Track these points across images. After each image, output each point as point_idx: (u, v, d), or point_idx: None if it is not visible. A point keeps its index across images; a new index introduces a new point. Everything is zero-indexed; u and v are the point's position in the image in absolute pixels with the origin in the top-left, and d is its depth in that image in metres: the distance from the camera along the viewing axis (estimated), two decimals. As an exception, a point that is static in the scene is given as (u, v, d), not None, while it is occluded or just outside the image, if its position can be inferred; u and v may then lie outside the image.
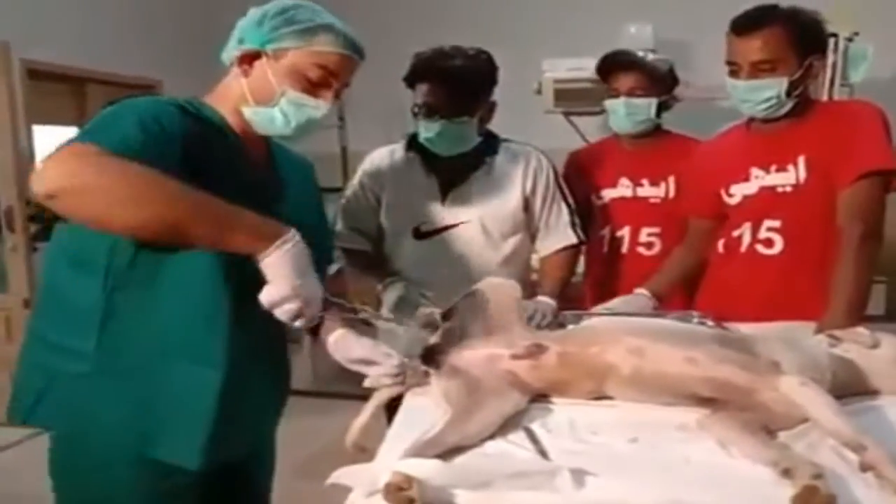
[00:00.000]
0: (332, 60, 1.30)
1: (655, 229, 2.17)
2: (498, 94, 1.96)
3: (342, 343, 1.41)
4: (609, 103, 2.16)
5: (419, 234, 1.95)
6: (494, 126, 2.01)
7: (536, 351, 1.30)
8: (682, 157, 2.10)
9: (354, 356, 1.39)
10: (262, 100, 1.30)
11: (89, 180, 1.05)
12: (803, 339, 1.37)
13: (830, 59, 3.00)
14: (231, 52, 1.33)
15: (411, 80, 1.88)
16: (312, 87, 1.31)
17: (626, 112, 2.13)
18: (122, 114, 1.16)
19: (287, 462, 1.72)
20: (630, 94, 2.12)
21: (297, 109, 1.31)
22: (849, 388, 1.25)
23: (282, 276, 1.15)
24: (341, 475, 1.02)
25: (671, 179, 2.16)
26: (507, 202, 1.94)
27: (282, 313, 1.18)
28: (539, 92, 3.65)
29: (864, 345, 1.29)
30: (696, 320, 1.64)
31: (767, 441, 1.08)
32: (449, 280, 1.75)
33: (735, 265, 1.88)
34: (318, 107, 1.32)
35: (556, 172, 2.03)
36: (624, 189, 2.20)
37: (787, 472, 0.96)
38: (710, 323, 1.61)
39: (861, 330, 1.33)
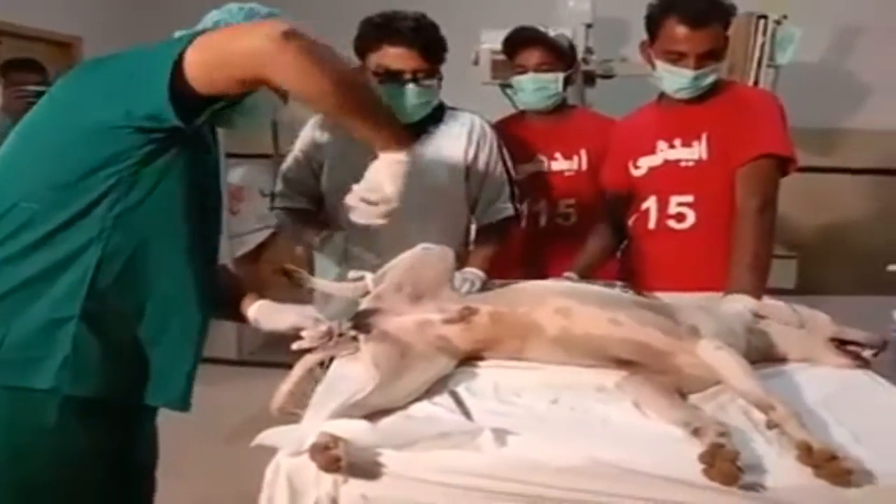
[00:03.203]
0: None
1: (571, 201, 2.24)
2: (453, 66, 1.96)
3: (267, 312, 1.42)
4: (517, 80, 2.21)
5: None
6: (445, 95, 2.01)
7: (468, 314, 1.33)
8: (593, 132, 2.19)
9: (282, 325, 1.40)
10: None
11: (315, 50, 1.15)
12: (720, 306, 1.43)
13: (759, 40, 3.09)
14: None
15: (369, 44, 1.85)
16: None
17: (535, 87, 2.18)
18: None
19: (214, 429, 1.73)
20: (537, 69, 2.16)
21: (267, 102, 1.37)
22: (761, 353, 1.32)
23: (389, 177, 1.31)
24: (268, 436, 1.02)
25: (583, 153, 2.23)
26: (449, 169, 1.95)
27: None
28: (476, 63, 3.65)
29: (793, 325, 1.35)
30: (618, 289, 1.69)
31: (680, 403, 1.14)
32: (386, 246, 1.73)
33: (649, 239, 1.97)
34: (280, 102, 1.40)
35: (499, 143, 2.05)
36: (538, 163, 2.25)
37: (696, 432, 1.01)
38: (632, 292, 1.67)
39: (773, 302, 1.40)
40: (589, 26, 3.69)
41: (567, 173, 2.25)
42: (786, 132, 1.86)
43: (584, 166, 2.23)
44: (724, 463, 0.92)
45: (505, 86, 3.79)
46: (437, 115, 1.97)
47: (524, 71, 2.18)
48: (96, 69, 1.27)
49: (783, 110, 1.89)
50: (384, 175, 1.31)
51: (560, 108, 2.27)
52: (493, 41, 3.55)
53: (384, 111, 1.34)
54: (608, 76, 3.70)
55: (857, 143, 4.69)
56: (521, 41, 2.21)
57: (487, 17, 3.88)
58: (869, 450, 0.99)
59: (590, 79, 3.75)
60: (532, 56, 2.17)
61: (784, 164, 1.86)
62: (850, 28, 4.47)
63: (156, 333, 1.24)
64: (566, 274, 1.93)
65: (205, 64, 1.15)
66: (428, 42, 1.83)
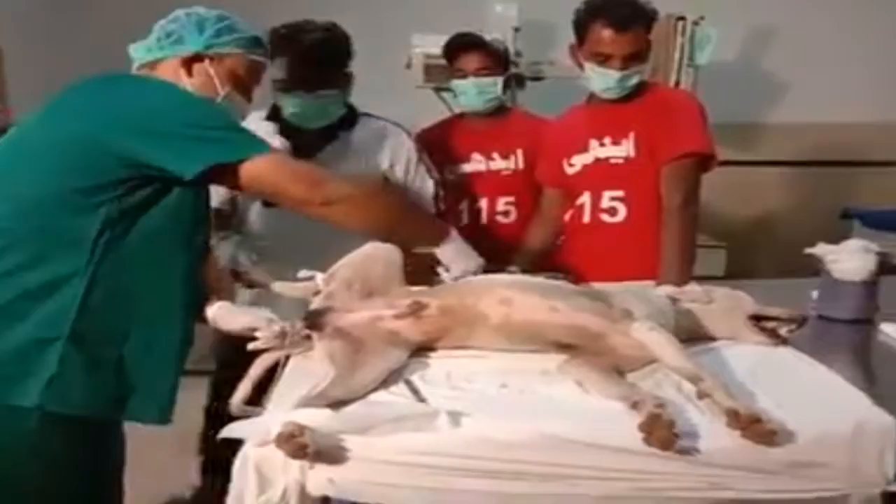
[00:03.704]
0: (262, 67, 1.52)
1: (510, 198, 2.33)
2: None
3: (223, 313, 1.46)
4: (457, 84, 2.29)
5: (266, 202, 1.96)
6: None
7: (417, 308, 1.39)
8: (528, 132, 2.30)
9: (238, 325, 1.44)
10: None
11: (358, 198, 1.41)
12: (651, 292, 1.53)
13: (678, 41, 3.25)
14: (162, 51, 1.43)
15: (274, 55, 1.88)
16: (244, 89, 1.49)
17: (476, 91, 2.26)
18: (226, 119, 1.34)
19: (170, 438, 1.74)
20: (477, 73, 2.25)
21: (234, 107, 1.46)
22: (690, 333, 1.41)
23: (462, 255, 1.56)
24: (233, 429, 1.07)
25: (519, 152, 2.32)
26: (363, 177, 1.98)
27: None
28: (409, 66, 3.71)
29: (701, 301, 1.46)
30: (559, 279, 1.78)
31: (619, 380, 1.22)
32: (296, 250, 1.73)
33: (584, 233, 2.08)
34: (246, 106, 1.52)
35: (419, 148, 2.13)
36: (477, 163, 2.33)
37: (635, 405, 1.09)
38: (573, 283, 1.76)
39: (696, 288, 1.50)
40: (517, 30, 3.78)
41: (504, 172, 2.33)
42: (706, 131, 1.99)
43: (521, 165, 2.32)
44: (662, 430, 1.00)
45: (439, 89, 3.89)
46: (348, 120, 2.05)
47: (465, 75, 2.26)
48: (109, 93, 1.32)
49: (703, 110, 2.03)
50: (458, 256, 1.56)
51: (498, 109, 2.36)
52: (425, 45, 3.63)
53: (416, 215, 1.68)
54: (537, 78, 3.81)
55: (778, 136, 4.92)
56: (462, 46, 2.29)
57: (419, 22, 3.95)
58: (790, 414, 1.10)
59: (519, 81, 3.85)
60: (473, 61, 2.25)
61: (705, 161, 2.00)
62: (765, 27, 4.70)
63: (140, 352, 1.27)
64: (508, 268, 2.01)
65: (262, 182, 1.31)
66: (325, 56, 1.90)
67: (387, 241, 1.49)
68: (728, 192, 4.91)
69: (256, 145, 1.31)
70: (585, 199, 2.08)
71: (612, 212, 2.05)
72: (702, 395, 1.11)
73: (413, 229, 1.51)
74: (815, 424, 1.08)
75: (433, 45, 3.64)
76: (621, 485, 1.04)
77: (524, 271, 1.98)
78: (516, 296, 1.36)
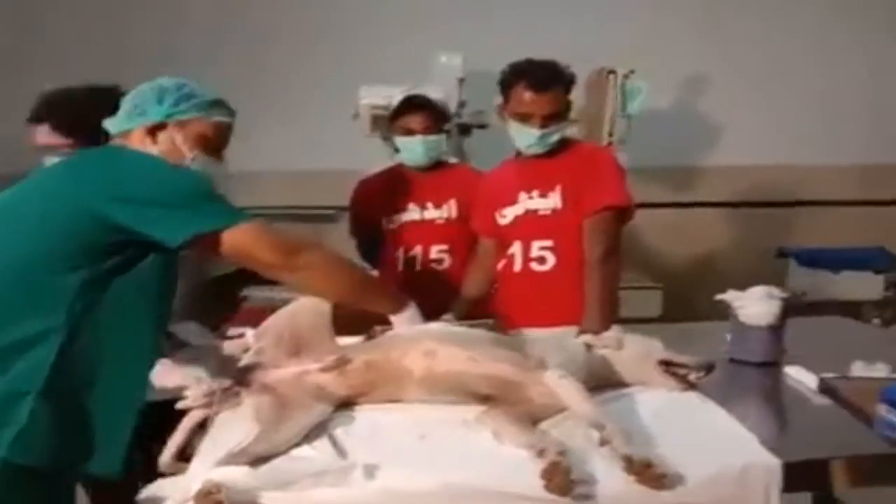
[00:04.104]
0: (226, 127, 1.60)
1: (444, 246, 2.41)
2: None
3: (158, 372, 1.50)
4: (404, 141, 2.38)
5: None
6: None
7: (343, 362, 1.45)
8: (462, 183, 2.40)
9: (170, 383, 1.49)
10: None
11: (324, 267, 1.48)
12: (567, 340, 1.61)
13: (610, 94, 3.40)
14: (129, 122, 1.52)
15: None
16: (213, 150, 1.57)
17: (424, 149, 2.36)
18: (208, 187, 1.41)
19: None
20: (426, 132, 2.35)
21: (209, 169, 1.54)
22: (603, 379, 1.50)
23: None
24: (154, 488, 1.11)
25: (453, 202, 2.42)
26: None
27: None
28: (356, 117, 3.81)
29: (612, 348, 1.54)
30: (487, 328, 1.86)
31: (530, 429, 1.29)
32: None
33: (515, 280, 2.17)
34: (222, 166, 1.59)
35: None
36: (413, 213, 2.42)
37: (540, 452, 1.16)
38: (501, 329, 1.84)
39: (609, 335, 1.59)
40: (461, 80, 3.91)
41: (438, 221, 2.42)
42: (624, 185, 2.12)
43: (455, 214, 2.42)
44: (560, 477, 1.07)
45: (386, 138, 3.99)
46: None
47: (412, 133, 2.37)
48: (100, 162, 1.40)
49: (620, 164, 2.15)
50: (411, 325, 1.60)
51: (437, 162, 2.46)
52: (371, 96, 3.74)
53: (376, 285, 1.78)
54: (482, 126, 3.94)
55: (714, 178, 5.10)
56: (411, 108, 2.39)
57: (366, 73, 4.06)
58: (685, 457, 1.18)
59: (465, 130, 3.97)
60: (419, 120, 2.36)
61: (624, 213, 2.11)
62: (698, 75, 4.92)
63: (104, 407, 1.30)
64: (444, 316, 2.08)
65: (241, 249, 1.38)
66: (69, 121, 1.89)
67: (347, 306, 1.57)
68: (665, 233, 5.08)
69: (237, 214, 1.38)
70: (516, 248, 2.18)
71: (542, 260, 2.15)
72: (603, 441, 1.19)
73: (372, 299, 1.58)
74: (705, 467, 1.16)
75: (379, 96, 3.76)
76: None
77: (460, 318, 2.06)
78: (439, 348, 1.43)
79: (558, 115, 2.08)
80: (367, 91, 3.82)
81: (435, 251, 2.42)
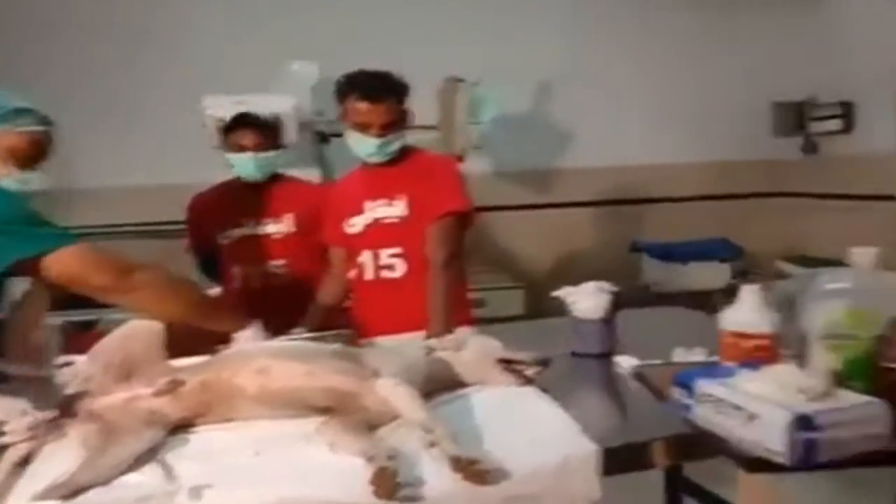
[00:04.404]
0: (40, 138, 1.54)
1: (282, 261, 2.42)
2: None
3: None
4: (236, 157, 2.36)
5: None
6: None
7: (175, 385, 1.41)
8: (299, 197, 2.41)
9: None
10: None
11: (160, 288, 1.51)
12: (407, 347, 1.64)
13: (460, 102, 3.49)
14: None
15: None
16: (28, 164, 1.51)
17: (256, 165, 2.35)
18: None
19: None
20: (257, 149, 2.33)
21: (23, 184, 1.49)
22: (443, 381, 1.53)
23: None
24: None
25: (290, 216, 2.43)
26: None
27: None
28: (205, 126, 3.71)
29: (452, 350, 1.59)
30: (339, 338, 1.86)
31: (365, 437, 1.30)
32: None
33: (367, 289, 2.19)
34: (40, 179, 1.54)
35: None
36: (249, 228, 2.40)
37: (370, 459, 1.18)
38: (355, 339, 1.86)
39: (451, 338, 1.63)
40: (316, 88, 3.89)
41: (276, 236, 2.43)
42: (464, 191, 2.19)
43: (292, 228, 2.42)
44: (386, 482, 1.09)
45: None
46: None
47: (244, 149, 2.33)
48: None
49: (460, 171, 2.22)
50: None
51: (271, 177, 2.45)
52: (216, 107, 3.64)
53: (216, 306, 1.79)
54: (338, 135, 3.93)
55: (570, 179, 5.34)
56: (240, 125, 2.39)
57: (213, 82, 3.96)
58: (511, 452, 1.23)
59: (324, 138, 3.96)
60: (252, 138, 2.33)
61: (465, 219, 2.17)
62: (552, 81, 5.12)
63: None
64: (295, 330, 2.07)
65: (68, 273, 1.36)
66: None
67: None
68: (526, 234, 5.27)
69: (62, 236, 1.31)
70: (366, 257, 2.20)
71: (392, 268, 2.18)
72: (432, 443, 1.22)
73: (211, 318, 1.59)
74: (529, 459, 1.21)
75: (224, 106, 3.66)
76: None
77: (313, 330, 2.05)
78: (273, 364, 1.42)
79: (394, 124, 2.12)
80: (212, 101, 3.73)
81: (272, 266, 2.42)
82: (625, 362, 1.75)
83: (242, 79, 3.76)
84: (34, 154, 1.54)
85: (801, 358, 1.35)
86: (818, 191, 5.38)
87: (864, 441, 1.14)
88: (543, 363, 1.60)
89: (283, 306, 2.19)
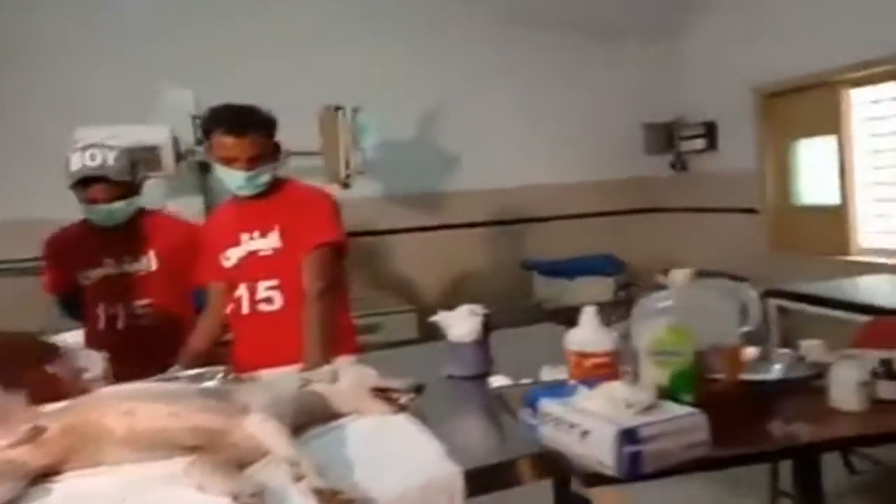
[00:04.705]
0: None
1: (146, 301, 2.35)
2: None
3: None
4: (88, 208, 2.29)
5: None
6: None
7: (36, 433, 1.37)
8: (161, 233, 2.38)
9: None
10: None
11: None
12: (279, 381, 1.65)
13: (341, 129, 3.53)
14: None
15: None
16: None
17: (109, 215, 2.29)
18: None
19: None
20: (109, 202, 2.27)
21: None
22: (318, 413, 1.55)
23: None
24: None
25: (151, 254, 2.37)
26: None
27: None
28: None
29: (327, 381, 1.61)
30: (216, 374, 1.84)
31: (234, 474, 1.30)
32: None
33: (245, 323, 2.18)
34: None
35: None
36: (109, 267, 2.34)
37: (235, 497, 1.18)
38: (230, 377, 1.83)
39: (325, 369, 1.65)
40: (195, 117, 3.83)
41: (139, 274, 2.36)
42: (337, 222, 2.20)
43: (154, 266, 2.36)
44: (249, 519, 1.10)
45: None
46: None
47: (94, 202, 2.27)
48: None
49: (334, 203, 2.23)
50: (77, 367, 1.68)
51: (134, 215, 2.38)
52: (87, 139, 3.51)
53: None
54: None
55: (459, 202, 5.45)
56: (85, 180, 2.26)
57: (87, 112, 3.83)
58: (378, 479, 1.26)
59: (205, 167, 3.90)
60: (102, 191, 2.26)
61: (340, 249, 2.19)
62: (433, 108, 5.24)
63: None
64: (172, 368, 2.03)
65: None
66: None
67: None
68: (418, 257, 5.34)
69: None
70: (242, 290, 2.19)
71: (269, 301, 2.17)
72: (298, 477, 1.24)
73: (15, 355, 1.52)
74: (396, 484, 1.25)
75: (97, 137, 3.54)
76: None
77: (189, 368, 2.01)
78: (139, 405, 1.40)
79: (262, 157, 2.12)
80: (83, 133, 3.60)
81: (137, 307, 2.34)
82: (497, 382, 1.82)
83: (119, 110, 3.66)
84: None
85: (637, 374, 1.45)
86: (689, 205, 5.73)
87: (687, 450, 1.23)
88: (417, 389, 1.64)
89: (149, 347, 2.14)
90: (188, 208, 3.55)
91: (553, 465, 1.34)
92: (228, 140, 2.07)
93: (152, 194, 3.23)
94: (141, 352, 2.04)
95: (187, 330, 2.28)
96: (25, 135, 4.01)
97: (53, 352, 1.74)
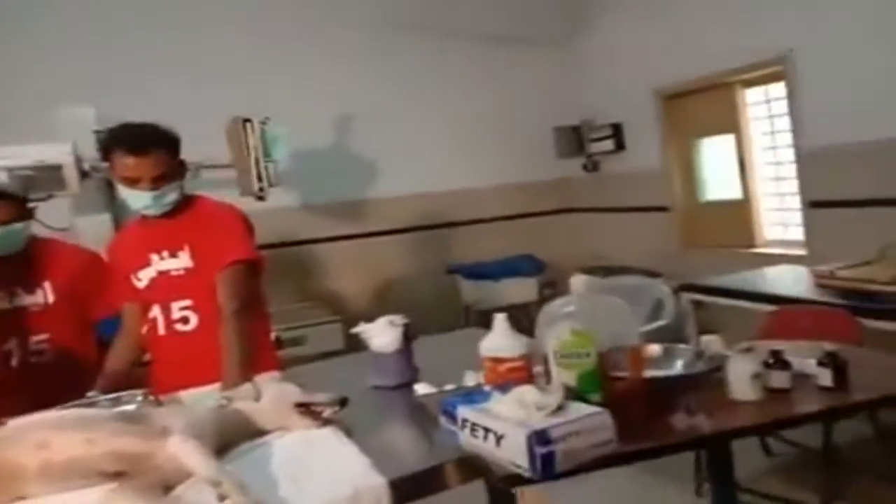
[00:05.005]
0: None
1: (43, 336, 2.24)
2: None
3: None
4: None
5: None
6: None
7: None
8: (58, 262, 2.29)
9: None
10: None
11: None
12: (199, 402, 1.64)
13: (252, 141, 3.49)
14: None
15: None
16: None
17: (5, 237, 2.19)
18: None
19: None
20: (5, 224, 2.18)
21: None
22: (241, 432, 1.54)
23: None
24: None
25: (47, 285, 2.27)
26: None
27: None
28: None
29: (250, 398, 1.60)
30: (135, 398, 1.80)
31: (157, 498, 1.29)
32: None
33: (161, 344, 2.14)
34: None
35: None
36: (1, 302, 2.22)
37: (160, 522, 1.18)
38: (149, 399, 1.80)
39: (247, 388, 1.64)
40: (97, 132, 3.69)
41: (33, 308, 2.25)
42: (249, 239, 2.17)
43: (51, 298, 2.26)
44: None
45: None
46: None
47: None
48: None
49: (246, 220, 2.20)
50: None
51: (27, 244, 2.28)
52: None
53: None
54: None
55: (379, 209, 5.47)
56: None
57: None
58: (304, 494, 1.28)
59: (111, 183, 3.77)
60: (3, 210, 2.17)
61: (255, 266, 2.15)
62: (347, 116, 5.24)
63: None
64: (90, 393, 1.96)
65: None
66: None
67: None
68: (341, 265, 5.34)
69: None
70: (157, 311, 2.14)
71: (185, 321, 2.13)
72: (222, 497, 1.24)
73: None
74: (322, 496, 1.27)
75: (-2, 157, 3.40)
76: None
77: (106, 393, 1.96)
78: (53, 436, 1.37)
79: (166, 175, 2.06)
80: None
81: (33, 343, 2.23)
82: (422, 390, 1.85)
83: (17, 128, 3.51)
84: None
85: (549, 376, 1.51)
86: (603, 205, 5.91)
87: (596, 447, 1.29)
88: (341, 403, 1.65)
89: (47, 385, 2.00)
90: (96, 226, 3.44)
91: (475, 468, 1.38)
92: (130, 160, 2.00)
93: (58, 214, 3.16)
94: (38, 390, 1.91)
95: (88, 366, 2.18)
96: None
97: None
